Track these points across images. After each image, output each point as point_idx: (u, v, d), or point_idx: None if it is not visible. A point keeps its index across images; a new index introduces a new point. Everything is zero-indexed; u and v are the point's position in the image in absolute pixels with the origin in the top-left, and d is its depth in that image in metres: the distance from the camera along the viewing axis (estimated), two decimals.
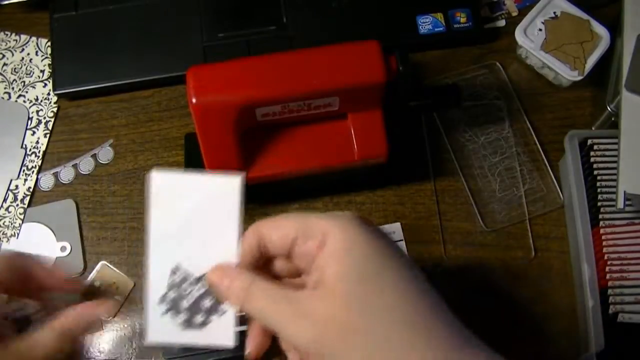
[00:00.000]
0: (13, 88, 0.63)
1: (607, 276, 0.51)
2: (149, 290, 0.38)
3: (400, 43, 0.61)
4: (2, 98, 0.62)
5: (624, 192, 0.49)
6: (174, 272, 0.38)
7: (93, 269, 0.56)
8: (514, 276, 0.55)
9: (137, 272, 0.56)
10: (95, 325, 0.43)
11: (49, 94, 0.62)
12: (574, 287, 0.55)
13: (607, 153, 0.54)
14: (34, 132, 0.61)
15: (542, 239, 0.57)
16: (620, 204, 0.49)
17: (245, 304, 0.35)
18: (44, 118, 0.61)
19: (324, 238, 0.34)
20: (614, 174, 0.51)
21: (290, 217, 0.36)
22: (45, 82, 0.63)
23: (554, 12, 0.60)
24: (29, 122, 0.61)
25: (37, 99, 0.62)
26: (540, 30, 0.60)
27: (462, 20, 0.62)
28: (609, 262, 0.51)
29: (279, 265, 0.37)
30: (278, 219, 0.36)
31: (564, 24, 0.60)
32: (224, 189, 0.38)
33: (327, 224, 0.34)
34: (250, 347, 0.37)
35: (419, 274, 0.34)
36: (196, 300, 0.38)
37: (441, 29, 0.62)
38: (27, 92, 0.62)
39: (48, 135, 0.61)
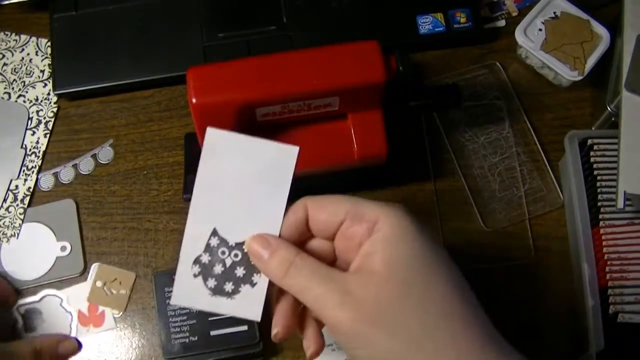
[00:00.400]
0: (13, 88, 0.63)
1: (607, 276, 0.51)
2: (183, 250, 0.37)
3: (400, 43, 0.61)
4: (2, 98, 0.62)
5: (624, 192, 0.49)
6: (212, 234, 0.37)
7: (93, 267, 0.56)
8: (514, 276, 0.55)
9: (138, 272, 0.56)
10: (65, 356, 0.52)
11: (49, 94, 0.62)
12: (574, 287, 0.55)
13: (607, 153, 0.54)
14: (34, 132, 0.61)
15: (542, 239, 0.57)
16: (620, 204, 0.49)
17: (286, 278, 0.34)
18: (44, 118, 0.61)
19: (374, 224, 0.33)
20: (614, 174, 0.51)
21: (342, 198, 0.35)
22: (45, 82, 0.63)
23: (554, 12, 0.60)
24: (29, 122, 0.61)
25: (37, 99, 0.62)
26: (540, 30, 0.60)
27: (462, 20, 0.62)
28: (609, 262, 0.51)
29: (315, 245, 0.37)
30: (329, 198, 0.35)
31: (564, 24, 0.60)
32: (280, 156, 0.37)
33: (379, 211, 0.34)
34: (277, 328, 0.36)
35: (463, 278, 0.34)
36: (230, 267, 0.37)
37: (441, 29, 0.62)
38: (27, 92, 0.62)
39: (48, 135, 0.61)
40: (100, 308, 0.55)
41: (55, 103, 0.62)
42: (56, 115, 0.62)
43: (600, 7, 0.62)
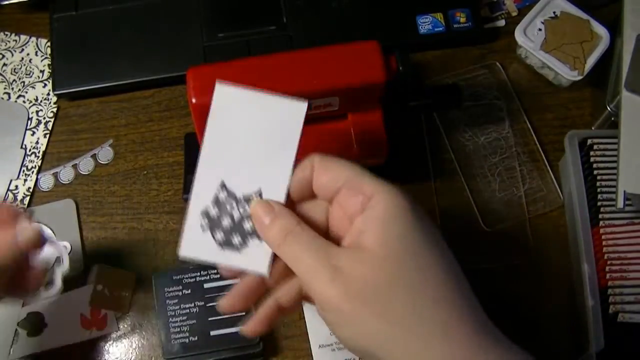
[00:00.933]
0: (13, 88, 0.63)
1: (607, 276, 0.51)
2: (192, 203, 0.37)
3: (400, 43, 0.61)
4: (2, 98, 0.62)
5: (624, 191, 0.49)
6: (221, 187, 0.37)
7: (93, 269, 0.56)
8: (514, 276, 0.55)
9: (138, 272, 0.56)
10: (19, 256, 0.42)
11: (48, 94, 0.62)
12: (574, 287, 0.55)
13: (607, 153, 0.54)
14: (33, 133, 0.61)
15: (542, 239, 0.57)
16: (620, 203, 0.49)
17: (281, 247, 0.34)
18: (44, 118, 0.61)
19: (369, 200, 0.33)
20: (614, 174, 0.51)
21: (346, 165, 0.34)
22: (45, 82, 0.63)
23: (554, 12, 0.60)
24: (29, 122, 0.61)
25: (36, 99, 0.62)
26: (540, 30, 0.60)
27: (462, 20, 0.62)
28: (609, 262, 0.51)
29: (314, 210, 0.36)
30: (335, 161, 0.35)
31: (563, 24, 0.60)
32: (288, 111, 0.37)
33: (377, 187, 0.33)
34: (230, 299, 0.37)
35: (456, 264, 0.33)
36: (239, 221, 0.37)
37: (441, 29, 0.62)
38: (26, 92, 0.62)
39: (48, 136, 0.61)
40: (103, 311, 0.55)
41: (55, 103, 0.62)
42: (56, 115, 0.62)
43: (600, 7, 0.62)
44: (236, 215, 0.37)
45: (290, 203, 0.36)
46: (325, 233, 0.36)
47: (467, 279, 0.33)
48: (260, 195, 0.37)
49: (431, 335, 0.30)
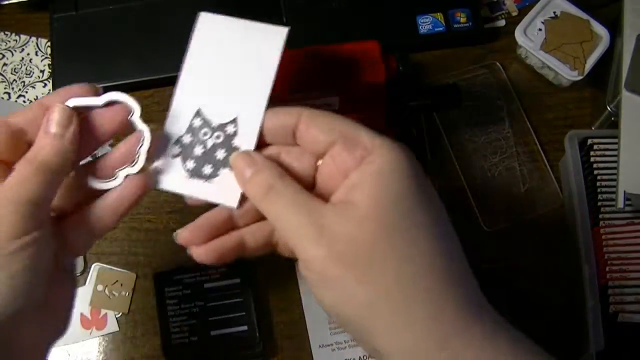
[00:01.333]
0: (13, 88, 0.63)
1: (607, 276, 0.51)
2: (165, 130, 0.36)
3: (400, 43, 0.61)
4: (2, 98, 0.62)
5: (624, 191, 0.49)
6: (196, 115, 0.36)
7: (93, 269, 0.56)
8: (513, 276, 0.55)
9: (138, 272, 0.56)
10: (62, 146, 0.33)
11: (48, 93, 0.62)
12: (574, 287, 0.55)
13: (607, 153, 0.54)
14: None
15: (542, 239, 0.57)
16: (620, 203, 0.49)
17: (262, 203, 0.32)
18: None
19: (367, 155, 0.31)
20: (614, 174, 0.51)
21: (339, 118, 0.32)
22: (45, 82, 0.63)
23: (554, 12, 0.60)
24: None
25: (37, 99, 0.62)
26: (540, 30, 0.60)
27: (462, 20, 0.62)
28: (609, 262, 0.51)
29: (297, 162, 0.34)
30: (326, 114, 0.32)
31: (563, 24, 0.60)
32: (268, 38, 0.37)
33: (377, 142, 0.31)
34: (187, 233, 0.34)
35: (451, 228, 0.32)
36: (210, 149, 0.36)
37: (441, 29, 0.62)
38: (27, 92, 0.62)
39: None
40: (103, 311, 0.55)
41: None
42: None
43: (600, 7, 0.62)
44: (209, 143, 0.36)
45: (265, 145, 0.34)
46: (311, 187, 0.34)
47: (462, 248, 0.31)
48: (236, 123, 0.36)
49: (414, 307, 0.28)
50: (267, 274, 0.56)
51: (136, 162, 0.35)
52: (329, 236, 0.29)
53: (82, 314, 0.54)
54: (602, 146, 0.54)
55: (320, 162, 0.33)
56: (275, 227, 0.32)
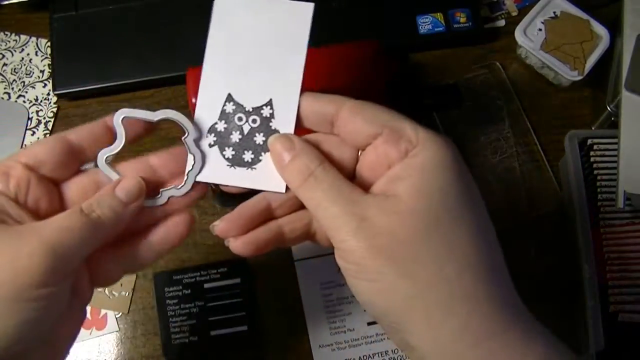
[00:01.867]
0: (13, 88, 0.63)
1: (608, 276, 0.51)
2: (196, 121, 0.34)
3: (400, 43, 0.61)
4: (2, 98, 0.62)
5: (624, 191, 0.49)
6: (227, 100, 0.34)
7: None
8: (514, 276, 0.55)
9: (138, 272, 0.56)
10: (121, 213, 0.32)
11: (48, 94, 0.62)
12: (574, 287, 0.55)
13: (607, 153, 0.54)
14: (33, 132, 0.61)
15: (542, 239, 0.57)
16: (620, 203, 0.49)
17: (302, 188, 0.31)
18: (44, 118, 0.61)
19: (411, 148, 0.30)
20: (614, 174, 0.51)
21: (383, 109, 0.31)
22: (45, 82, 0.63)
23: (554, 12, 0.60)
24: (29, 122, 0.61)
25: (36, 99, 0.62)
26: (540, 30, 0.60)
27: (462, 20, 0.62)
28: (609, 262, 0.51)
29: (337, 149, 0.33)
30: (369, 104, 0.31)
31: (563, 23, 0.60)
32: (294, 14, 0.34)
33: (422, 134, 0.30)
34: (226, 224, 0.33)
35: (492, 229, 0.31)
36: (248, 134, 0.34)
37: (441, 29, 0.62)
38: (26, 92, 0.62)
39: (48, 136, 0.61)
40: (103, 311, 0.55)
41: (55, 103, 0.62)
42: (56, 115, 0.62)
43: (600, 7, 0.62)
44: (246, 128, 0.34)
45: (305, 131, 0.33)
46: (352, 176, 0.33)
47: (500, 248, 0.31)
48: (271, 105, 0.34)
49: (453, 304, 0.28)
50: (267, 274, 0.56)
51: (183, 186, 0.34)
52: (370, 228, 0.29)
53: None
54: (602, 146, 0.54)
55: (361, 152, 0.33)
56: (314, 215, 0.31)
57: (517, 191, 0.58)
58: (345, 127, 0.32)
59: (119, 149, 0.34)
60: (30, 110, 0.62)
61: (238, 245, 0.33)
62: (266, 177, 0.33)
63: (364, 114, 0.31)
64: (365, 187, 0.31)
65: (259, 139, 0.34)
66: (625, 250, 0.51)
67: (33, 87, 0.63)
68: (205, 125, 0.34)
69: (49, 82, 0.62)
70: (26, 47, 0.64)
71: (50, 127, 0.61)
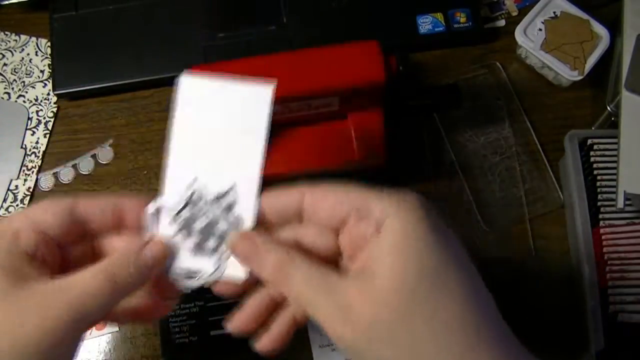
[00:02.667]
0: (13, 88, 0.63)
1: (607, 276, 0.51)
2: (161, 207, 0.35)
3: (400, 43, 0.61)
4: (2, 98, 0.62)
5: (624, 192, 0.49)
6: (191, 186, 0.35)
7: None
8: (514, 276, 0.55)
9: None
10: (145, 275, 0.33)
11: (48, 94, 0.62)
12: (574, 287, 0.55)
13: (607, 153, 0.54)
14: (33, 132, 0.61)
15: (542, 239, 0.57)
16: (620, 204, 0.49)
17: (281, 286, 0.31)
18: (44, 118, 0.61)
19: (381, 223, 0.30)
20: (614, 174, 0.51)
21: (347, 191, 0.31)
22: (45, 82, 0.63)
23: (554, 12, 0.60)
24: (29, 122, 0.61)
25: (37, 99, 0.62)
26: (540, 30, 0.60)
27: (462, 20, 0.62)
28: (609, 262, 0.51)
29: (314, 236, 0.33)
30: (332, 189, 0.32)
31: (563, 23, 0.60)
32: (254, 98, 0.35)
33: (388, 207, 0.30)
34: (238, 323, 0.33)
35: (479, 278, 0.31)
36: (211, 222, 0.35)
37: (441, 29, 0.62)
38: (26, 92, 0.62)
39: (48, 136, 0.61)
40: None
41: (55, 103, 0.62)
42: (56, 115, 0.62)
43: (600, 7, 0.62)
44: (210, 215, 0.35)
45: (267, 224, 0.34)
46: (336, 264, 0.33)
47: (491, 295, 0.30)
48: (235, 191, 0.35)
49: None
50: None
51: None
52: (354, 316, 0.29)
53: None
54: (602, 146, 0.54)
55: (339, 234, 0.33)
56: (297, 305, 0.32)
57: (517, 191, 0.58)
58: (313, 217, 0.32)
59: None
60: (30, 110, 0.62)
61: (266, 344, 0.34)
62: (227, 264, 0.34)
63: (327, 202, 0.32)
64: (349, 267, 0.32)
65: (222, 225, 0.34)
66: (625, 251, 0.51)
67: (33, 87, 0.63)
68: (171, 211, 0.35)
69: (49, 82, 0.62)
70: (26, 47, 0.64)
71: (50, 127, 0.61)
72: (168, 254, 0.34)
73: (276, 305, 0.34)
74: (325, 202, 0.32)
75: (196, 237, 0.35)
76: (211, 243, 0.34)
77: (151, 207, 0.34)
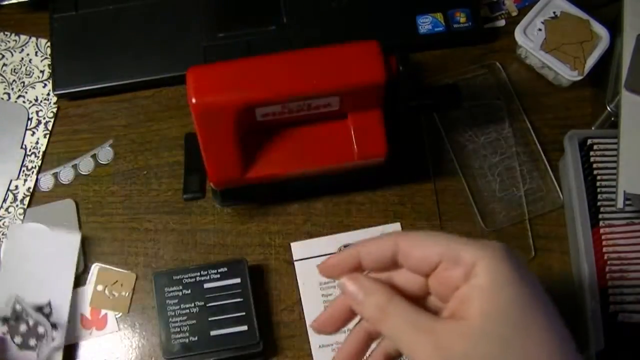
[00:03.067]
0: (12, 89, 0.63)
1: (607, 276, 0.51)
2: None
3: (400, 43, 0.61)
4: (2, 99, 0.62)
5: (624, 192, 0.49)
6: (16, 301, 0.51)
7: (93, 269, 0.56)
8: None
9: (138, 272, 0.56)
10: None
11: (48, 94, 0.62)
12: (574, 287, 0.55)
13: (607, 153, 0.54)
14: (33, 133, 0.61)
15: (542, 239, 0.57)
16: (620, 204, 0.49)
17: (380, 325, 0.33)
18: (44, 118, 0.61)
19: (471, 269, 0.31)
20: (614, 174, 0.51)
21: (437, 239, 0.33)
22: (45, 82, 0.63)
23: (554, 12, 0.60)
24: (29, 122, 0.61)
25: (36, 100, 0.62)
26: (540, 30, 0.60)
27: (462, 20, 0.62)
28: (609, 262, 0.51)
29: (407, 278, 0.35)
30: (422, 237, 0.34)
31: (563, 23, 0.60)
32: (65, 241, 0.53)
33: (477, 254, 0.32)
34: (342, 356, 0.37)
35: (563, 326, 0.33)
36: (33, 326, 0.51)
37: (441, 29, 0.62)
38: (26, 92, 0.62)
39: (48, 136, 0.61)
40: (103, 311, 0.55)
41: (55, 103, 0.62)
42: (56, 115, 0.62)
43: (600, 7, 0.62)
44: (31, 322, 0.51)
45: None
46: (423, 301, 0.35)
47: (573, 341, 0.32)
48: (50, 304, 0.52)
49: None
50: (267, 274, 0.56)
51: None
52: (445, 354, 0.30)
53: (82, 314, 0.54)
54: (602, 146, 0.54)
55: (429, 277, 0.35)
56: (395, 344, 0.33)
57: (517, 191, 0.58)
58: (405, 264, 0.34)
59: None
60: (30, 111, 0.62)
61: None
62: (46, 357, 0.50)
63: (418, 251, 0.34)
64: (437, 311, 0.34)
65: (41, 329, 0.51)
66: (625, 250, 0.51)
67: (33, 87, 0.63)
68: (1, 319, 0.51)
69: (48, 82, 0.62)
70: (26, 47, 0.64)
71: (50, 128, 0.61)
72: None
73: (371, 340, 0.37)
74: (417, 251, 0.34)
75: (20, 337, 0.50)
76: (32, 342, 0.50)
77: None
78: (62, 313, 0.52)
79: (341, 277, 0.35)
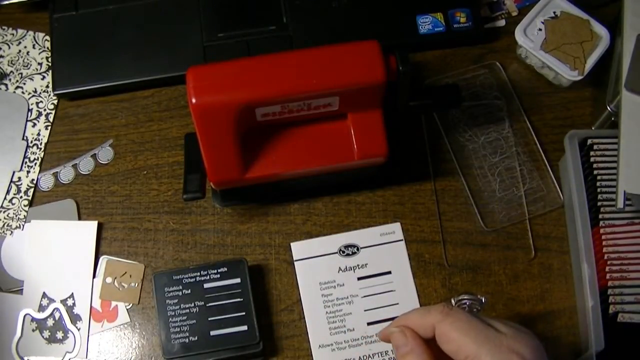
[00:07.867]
0: (10, 79, 0.62)
1: (607, 276, 0.51)
2: (20, 311, 0.53)
3: (400, 43, 0.61)
4: (0, 89, 0.62)
5: (624, 192, 0.49)
6: (43, 296, 0.53)
7: (101, 262, 0.56)
8: (514, 276, 0.55)
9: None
10: None
11: (47, 86, 0.62)
12: (574, 287, 0.55)
13: (607, 153, 0.54)
14: (34, 124, 0.61)
15: (542, 239, 0.57)
16: (620, 203, 0.49)
17: None
18: (44, 110, 0.61)
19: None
20: (614, 174, 0.51)
21: (467, 337, 0.38)
22: (44, 74, 0.63)
23: (554, 12, 0.60)
24: (29, 113, 0.61)
25: (35, 91, 0.62)
26: (540, 30, 0.60)
27: (462, 20, 0.62)
28: (609, 262, 0.51)
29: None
30: (457, 333, 0.39)
31: (563, 23, 0.60)
32: (83, 231, 0.55)
33: (515, 344, 0.38)
34: None
35: None
36: (59, 320, 0.52)
37: (441, 29, 0.62)
38: (24, 83, 0.62)
39: (49, 128, 0.61)
40: (113, 303, 0.55)
41: (54, 95, 0.62)
42: (56, 115, 0.62)
43: (600, 7, 0.62)
44: (56, 315, 0.53)
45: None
46: None
47: None
48: (73, 296, 0.53)
49: None
50: (267, 274, 0.56)
51: None
52: None
53: (92, 307, 0.55)
54: (602, 146, 0.54)
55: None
56: None
57: (517, 191, 0.58)
58: (442, 345, 0.40)
59: None
60: (30, 102, 0.62)
61: None
62: (73, 347, 0.52)
63: (450, 343, 0.39)
64: None
65: (67, 322, 0.53)
66: (625, 250, 0.51)
67: (31, 79, 0.62)
68: (29, 314, 0.53)
69: (47, 74, 0.62)
70: (23, 40, 0.64)
71: (51, 119, 0.61)
72: None
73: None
74: (447, 345, 0.39)
75: (48, 331, 0.53)
76: (59, 334, 0.52)
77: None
78: (84, 304, 0.54)
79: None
